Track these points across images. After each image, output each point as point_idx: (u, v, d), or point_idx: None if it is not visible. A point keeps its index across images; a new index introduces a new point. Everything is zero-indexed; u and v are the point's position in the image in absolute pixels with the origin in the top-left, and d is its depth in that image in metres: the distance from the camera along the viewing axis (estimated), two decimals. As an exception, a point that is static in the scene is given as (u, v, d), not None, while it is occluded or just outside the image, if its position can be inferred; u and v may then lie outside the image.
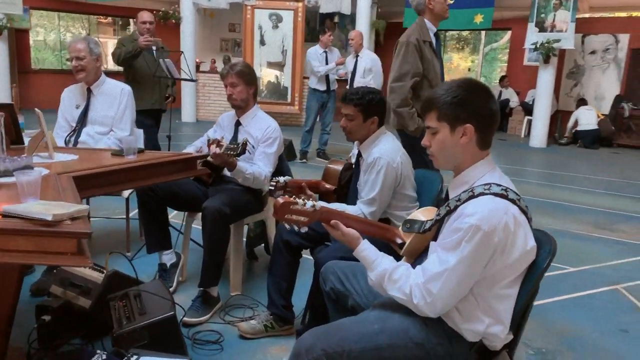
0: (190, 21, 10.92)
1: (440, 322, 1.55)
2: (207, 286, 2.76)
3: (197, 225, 3.20)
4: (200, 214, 2.88)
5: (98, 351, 1.72)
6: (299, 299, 2.68)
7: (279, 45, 10.80)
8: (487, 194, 1.47)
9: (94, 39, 3.39)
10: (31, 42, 12.94)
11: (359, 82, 7.05)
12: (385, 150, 2.38)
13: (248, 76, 2.98)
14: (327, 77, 7.21)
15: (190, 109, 11.32)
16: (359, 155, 2.52)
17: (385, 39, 11.62)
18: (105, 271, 2.44)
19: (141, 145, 3.36)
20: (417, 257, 1.71)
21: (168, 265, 3.06)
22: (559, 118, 11.15)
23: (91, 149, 3.05)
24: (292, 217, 1.62)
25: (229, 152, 2.63)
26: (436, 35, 3.35)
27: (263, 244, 3.59)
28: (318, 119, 7.44)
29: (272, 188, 2.37)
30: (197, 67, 11.52)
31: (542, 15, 9.66)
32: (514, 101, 11.82)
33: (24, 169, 1.76)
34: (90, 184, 2.05)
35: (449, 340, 1.55)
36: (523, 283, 1.55)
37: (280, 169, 3.18)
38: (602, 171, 7.96)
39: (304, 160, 7.34)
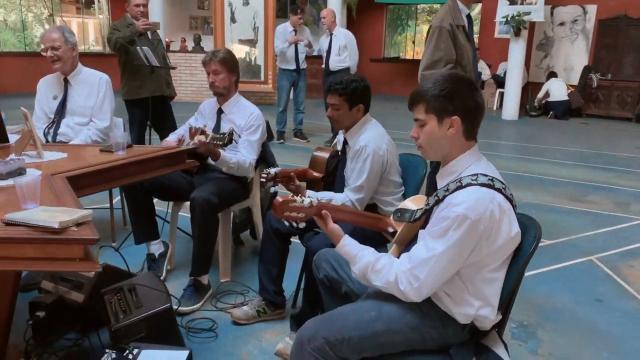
0: (158, -1, 10.70)
1: (433, 307, 1.63)
2: (198, 275, 2.80)
3: (182, 214, 3.22)
4: (186, 202, 2.90)
5: (107, 350, 1.75)
6: (289, 283, 2.74)
7: (250, 22, 10.60)
8: (474, 184, 1.54)
9: (68, 27, 3.34)
10: (-9, 23, 12.51)
11: (334, 60, 7.03)
12: (371, 138, 2.42)
13: (231, 63, 2.98)
14: (296, 55, 7.07)
15: (162, 91, 11.10)
16: (345, 142, 2.56)
17: (358, 14, 11.57)
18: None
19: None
20: (408, 244, 1.78)
21: (156, 255, 3.08)
22: (529, 90, 11.33)
23: (78, 145, 3.00)
24: (292, 214, 1.67)
25: (215, 142, 2.64)
26: (468, 17, 3.20)
27: (249, 230, 3.64)
28: (291, 98, 7.36)
29: (264, 180, 2.41)
30: (167, 46, 11.27)
31: (512, -13, 9.74)
32: (486, 74, 11.92)
33: (18, 172, 1.76)
34: (83, 183, 2.03)
35: (442, 323, 1.63)
36: (510, 267, 1.63)
37: (264, 156, 3.21)
38: (573, 142, 8.16)
39: (282, 141, 7.34)
